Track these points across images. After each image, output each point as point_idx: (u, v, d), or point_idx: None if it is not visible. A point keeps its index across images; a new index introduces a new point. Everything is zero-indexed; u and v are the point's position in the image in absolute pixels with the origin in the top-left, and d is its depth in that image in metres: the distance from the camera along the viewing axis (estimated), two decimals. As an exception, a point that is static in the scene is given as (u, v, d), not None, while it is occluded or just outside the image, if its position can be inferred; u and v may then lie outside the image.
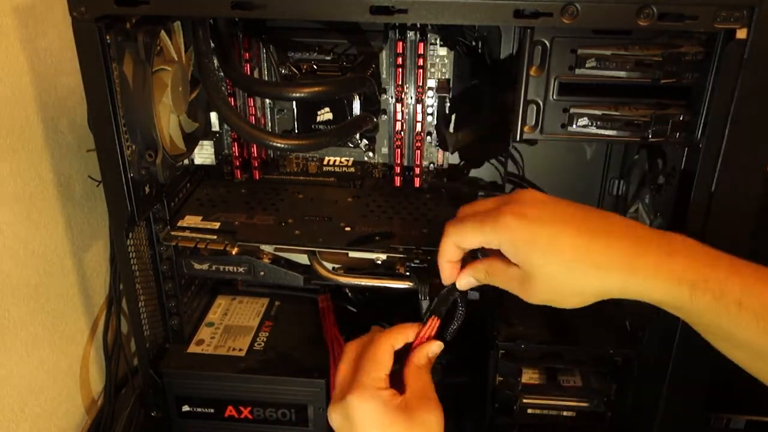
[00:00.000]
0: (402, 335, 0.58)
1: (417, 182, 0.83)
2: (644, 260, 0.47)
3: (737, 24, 0.53)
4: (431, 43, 0.77)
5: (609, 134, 0.62)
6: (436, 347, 0.58)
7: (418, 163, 0.82)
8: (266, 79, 0.80)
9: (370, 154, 0.85)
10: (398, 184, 0.83)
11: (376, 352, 0.55)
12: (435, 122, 0.81)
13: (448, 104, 0.81)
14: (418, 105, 0.79)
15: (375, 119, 0.77)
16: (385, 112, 0.82)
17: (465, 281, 0.57)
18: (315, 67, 0.78)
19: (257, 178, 0.85)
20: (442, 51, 0.78)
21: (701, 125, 0.58)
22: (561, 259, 0.49)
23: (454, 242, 0.55)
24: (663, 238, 0.48)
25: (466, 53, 0.78)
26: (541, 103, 0.62)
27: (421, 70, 0.77)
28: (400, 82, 0.78)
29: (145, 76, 0.60)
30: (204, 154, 0.82)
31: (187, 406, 0.78)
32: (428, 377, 0.56)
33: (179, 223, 0.74)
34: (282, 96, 0.77)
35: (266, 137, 0.67)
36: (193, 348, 0.79)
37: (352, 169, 0.86)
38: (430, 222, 0.76)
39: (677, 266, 0.47)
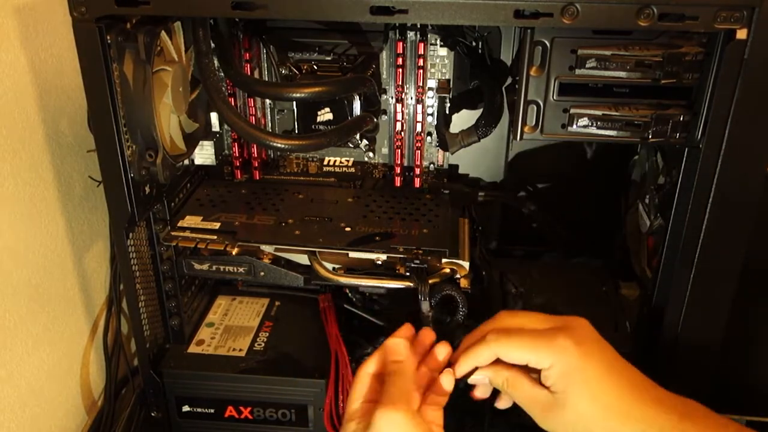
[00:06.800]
0: (378, 355, 0.58)
1: (417, 182, 0.83)
2: (668, 417, 0.51)
3: (737, 24, 0.53)
4: (431, 44, 0.77)
5: (609, 134, 0.62)
6: (391, 346, 0.58)
7: (418, 163, 0.82)
8: (266, 79, 0.80)
9: (371, 154, 0.85)
10: (398, 185, 0.83)
11: (352, 384, 0.58)
12: (435, 122, 0.81)
13: (448, 104, 0.81)
14: (418, 105, 0.79)
15: (375, 119, 0.77)
16: (385, 112, 0.82)
17: (478, 378, 0.58)
18: (315, 67, 0.78)
19: (257, 178, 0.85)
20: (443, 51, 0.78)
21: (701, 126, 0.58)
22: (600, 402, 0.52)
23: (497, 352, 0.55)
24: (680, 401, 0.52)
25: (467, 53, 0.78)
26: (541, 104, 0.62)
27: (421, 71, 0.77)
28: (400, 83, 0.78)
29: (146, 77, 0.60)
30: (204, 154, 0.82)
31: (187, 406, 0.78)
32: (388, 382, 0.55)
33: (179, 224, 0.74)
34: (282, 96, 0.77)
35: (266, 137, 0.67)
36: (193, 348, 0.79)
37: (352, 170, 0.86)
38: (430, 222, 0.76)
39: (693, 429, 0.50)
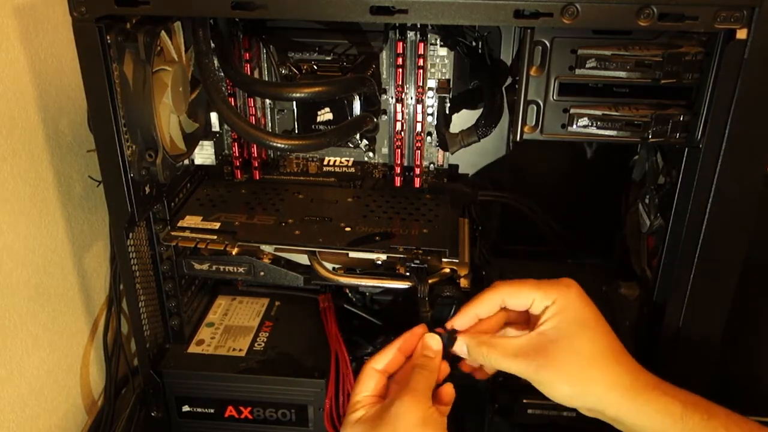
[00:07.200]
0: (386, 352, 0.59)
1: (417, 182, 0.83)
2: (647, 377, 0.54)
3: (737, 24, 0.53)
4: (431, 44, 0.77)
5: (609, 134, 0.62)
6: (428, 339, 0.59)
7: (418, 163, 0.82)
8: (266, 79, 0.80)
9: (370, 154, 0.85)
10: (398, 184, 0.83)
11: (357, 378, 0.58)
12: (435, 122, 0.81)
13: (448, 104, 0.81)
14: (418, 105, 0.79)
15: (375, 119, 0.77)
16: (385, 112, 0.82)
17: (461, 347, 0.59)
18: (315, 67, 0.78)
19: (257, 178, 0.85)
20: (442, 51, 0.78)
21: (701, 126, 0.58)
22: (593, 342, 0.53)
23: (503, 296, 0.57)
24: (650, 372, 0.55)
25: (467, 53, 0.78)
26: (541, 103, 0.62)
27: (421, 71, 0.77)
28: (400, 83, 0.78)
29: (146, 77, 0.60)
30: (204, 154, 0.82)
31: (187, 406, 0.78)
32: (416, 372, 0.56)
33: (179, 223, 0.74)
34: (282, 96, 0.77)
35: (266, 137, 0.67)
36: (193, 348, 0.79)
37: (352, 170, 0.86)
38: (430, 222, 0.76)
39: (671, 388, 0.53)
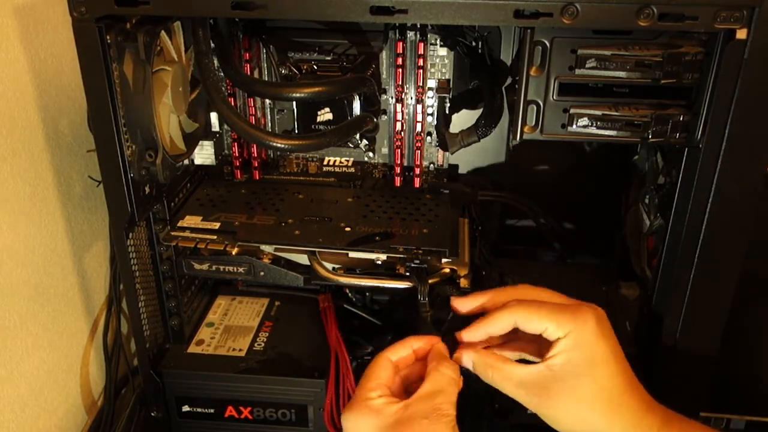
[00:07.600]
0: (402, 347, 0.58)
1: (417, 182, 0.83)
2: (653, 418, 0.53)
3: (737, 24, 0.53)
4: (431, 44, 0.77)
5: (609, 134, 0.62)
6: (441, 346, 0.58)
7: (418, 163, 0.82)
8: (266, 79, 0.80)
9: (370, 154, 0.85)
10: (398, 184, 0.83)
11: (371, 366, 0.56)
12: (435, 122, 0.81)
13: (448, 104, 0.81)
14: (418, 105, 0.79)
15: (375, 119, 0.77)
16: (385, 112, 0.82)
17: (467, 362, 0.57)
18: (315, 67, 0.78)
19: (257, 178, 0.85)
20: (442, 51, 0.78)
21: (701, 126, 0.58)
22: (599, 384, 0.52)
23: (516, 319, 0.55)
24: (663, 407, 0.54)
25: (467, 53, 0.78)
26: (541, 103, 0.62)
27: (421, 71, 0.77)
28: (400, 83, 0.78)
29: (145, 76, 0.60)
30: (204, 154, 0.82)
31: (187, 406, 0.78)
32: (441, 378, 0.54)
33: (179, 223, 0.74)
34: (282, 96, 0.77)
35: (266, 137, 0.67)
36: (193, 348, 0.79)
37: (352, 170, 0.86)
38: (430, 222, 0.76)
39: (677, 427, 0.53)
